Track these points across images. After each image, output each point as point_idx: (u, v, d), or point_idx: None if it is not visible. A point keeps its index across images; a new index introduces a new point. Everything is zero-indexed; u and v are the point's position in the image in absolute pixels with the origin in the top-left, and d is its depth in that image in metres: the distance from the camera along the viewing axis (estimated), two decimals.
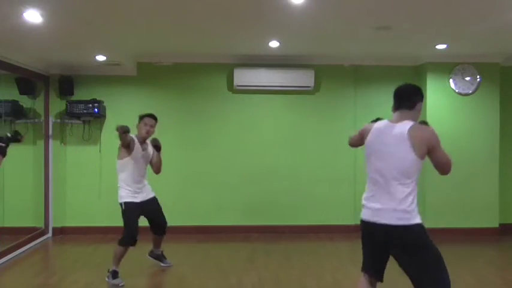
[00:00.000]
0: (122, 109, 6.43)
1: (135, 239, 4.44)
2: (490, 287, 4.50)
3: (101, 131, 6.55)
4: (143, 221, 4.70)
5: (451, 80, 6.51)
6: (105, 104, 6.50)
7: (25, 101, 6.33)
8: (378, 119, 2.97)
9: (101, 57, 5.85)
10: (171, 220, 6.56)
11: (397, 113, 2.84)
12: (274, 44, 5.70)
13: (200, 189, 6.67)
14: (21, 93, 6.25)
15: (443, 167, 2.77)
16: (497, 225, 6.56)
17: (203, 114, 6.67)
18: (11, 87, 6.13)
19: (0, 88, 6.01)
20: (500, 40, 5.53)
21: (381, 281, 2.88)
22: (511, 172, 6.83)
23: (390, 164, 2.70)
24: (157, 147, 4.68)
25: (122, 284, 4.34)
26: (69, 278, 4.58)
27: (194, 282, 4.52)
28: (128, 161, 4.52)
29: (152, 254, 5.06)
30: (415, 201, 2.69)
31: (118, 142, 4.48)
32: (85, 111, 6.33)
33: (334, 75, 6.74)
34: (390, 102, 2.98)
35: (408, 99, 2.84)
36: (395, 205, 2.65)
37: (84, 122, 6.52)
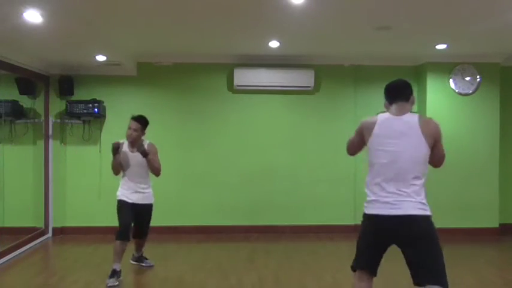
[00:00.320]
0: (122, 109, 6.42)
1: (128, 234, 4.47)
2: (490, 287, 4.50)
3: (101, 131, 6.55)
4: None
5: (451, 80, 6.51)
6: (105, 104, 6.51)
7: (25, 101, 6.33)
8: (379, 113, 2.93)
9: (101, 57, 5.85)
10: (171, 220, 6.63)
11: (395, 106, 2.84)
12: (274, 44, 5.70)
13: (200, 189, 6.67)
14: (21, 93, 6.26)
15: (440, 159, 2.89)
16: (497, 225, 6.56)
17: (203, 114, 6.67)
18: (11, 87, 6.13)
19: (0, 88, 6.01)
20: (500, 40, 5.53)
21: (375, 275, 2.88)
22: (511, 172, 6.83)
23: (405, 156, 2.70)
24: (142, 153, 4.50)
25: (114, 284, 4.30)
26: (69, 278, 4.58)
27: (194, 282, 4.52)
28: (121, 162, 4.58)
29: (133, 258, 5.07)
30: (425, 192, 2.76)
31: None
32: (85, 111, 6.34)
33: (334, 75, 6.74)
34: None
35: (404, 92, 2.88)
36: (412, 196, 2.68)
37: (84, 122, 6.52)
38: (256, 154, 6.70)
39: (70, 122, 6.53)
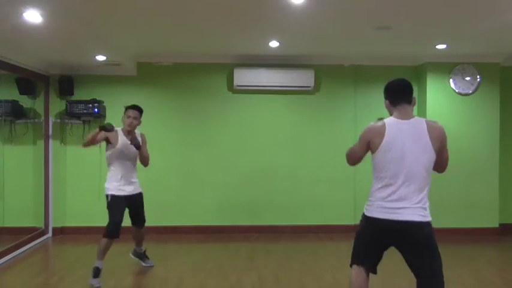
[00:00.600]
0: (122, 109, 6.40)
1: (118, 231, 4.40)
2: (489, 287, 4.49)
3: None
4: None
5: (451, 80, 6.51)
6: (105, 104, 6.50)
7: (25, 101, 6.33)
8: (380, 119, 2.91)
9: (101, 57, 5.85)
10: (171, 220, 6.63)
11: (398, 109, 2.82)
12: (274, 44, 5.70)
13: (200, 189, 6.67)
14: (21, 93, 6.26)
15: (444, 163, 2.89)
16: (497, 225, 6.56)
17: (203, 114, 6.67)
18: (11, 87, 6.14)
19: (0, 88, 6.01)
20: (500, 40, 5.53)
21: (375, 273, 2.89)
22: (511, 172, 6.83)
23: (414, 161, 2.69)
24: (135, 146, 4.46)
25: (98, 285, 4.27)
26: (69, 278, 4.58)
27: (194, 282, 4.52)
28: (113, 153, 4.49)
29: (135, 253, 5.03)
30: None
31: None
32: (85, 111, 6.34)
33: (334, 75, 6.75)
34: None
35: (408, 93, 2.86)
36: (418, 202, 2.69)
37: (84, 122, 6.52)
38: (256, 154, 6.70)
39: (70, 122, 6.53)
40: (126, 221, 4.66)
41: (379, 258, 2.86)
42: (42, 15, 4.05)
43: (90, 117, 6.44)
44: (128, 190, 4.55)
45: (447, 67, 6.49)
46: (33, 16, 4.04)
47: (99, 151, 6.46)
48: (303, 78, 6.51)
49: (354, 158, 3.00)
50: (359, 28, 4.98)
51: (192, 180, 6.68)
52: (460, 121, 6.51)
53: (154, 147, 6.52)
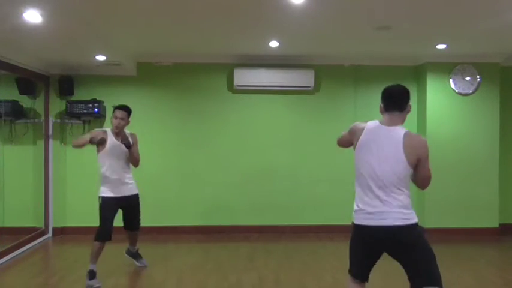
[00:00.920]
0: None
1: (110, 234, 4.39)
2: (490, 287, 4.49)
3: None
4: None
5: (451, 80, 6.51)
6: (105, 104, 6.50)
7: (25, 101, 6.33)
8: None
9: (101, 57, 5.85)
10: (171, 220, 6.63)
11: (387, 115, 2.81)
12: (274, 44, 5.70)
13: (200, 189, 6.67)
14: (21, 93, 6.26)
15: (424, 181, 2.79)
16: (497, 225, 6.56)
17: (203, 114, 6.67)
18: (11, 87, 6.14)
19: (0, 88, 6.01)
20: (500, 40, 5.53)
21: (367, 281, 2.88)
22: (511, 172, 6.83)
23: (387, 167, 2.67)
24: (126, 145, 4.46)
25: (98, 285, 4.27)
26: (69, 278, 4.58)
27: (194, 282, 4.52)
28: (103, 154, 4.47)
29: (128, 252, 5.02)
30: (410, 201, 2.74)
31: None
32: (85, 111, 6.34)
33: (334, 75, 6.74)
34: None
35: (401, 101, 2.82)
36: (396, 206, 2.66)
37: (84, 122, 6.52)
38: (256, 154, 6.70)
39: (70, 122, 6.53)
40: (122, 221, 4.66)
41: (371, 266, 2.85)
42: (42, 15, 4.05)
43: (90, 117, 6.44)
44: (121, 191, 4.51)
45: (447, 67, 6.49)
46: (33, 16, 4.04)
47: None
48: (303, 78, 6.51)
49: (339, 142, 3.13)
50: (359, 28, 4.98)
51: (192, 180, 6.67)
52: (460, 121, 6.51)
53: (154, 147, 6.56)
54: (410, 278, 2.69)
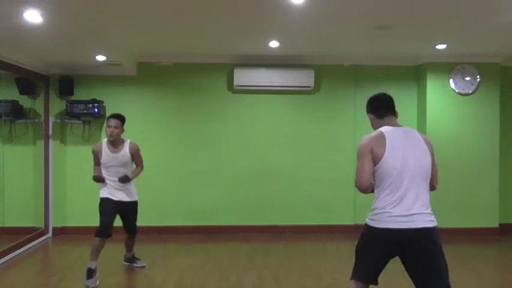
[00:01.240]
0: (122, 109, 6.34)
1: (110, 230, 4.40)
2: (489, 287, 4.50)
3: (101, 131, 6.55)
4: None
5: (451, 80, 6.51)
6: (105, 104, 6.50)
7: (25, 101, 6.33)
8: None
9: (101, 57, 5.85)
10: (171, 220, 6.63)
11: (387, 120, 2.85)
12: (274, 44, 5.70)
13: (200, 189, 6.66)
14: (21, 93, 6.26)
15: (438, 174, 2.84)
16: (497, 225, 6.56)
17: (203, 114, 6.67)
18: (11, 87, 6.14)
19: (0, 88, 6.01)
20: (500, 40, 5.53)
21: (376, 284, 2.86)
22: (511, 172, 6.83)
23: (418, 165, 2.70)
24: (123, 181, 4.51)
25: (94, 285, 4.27)
26: (69, 278, 4.58)
27: (194, 282, 4.52)
28: (102, 165, 4.57)
29: (125, 259, 5.04)
30: None
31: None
32: (85, 111, 6.34)
33: (334, 75, 6.74)
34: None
35: (393, 106, 2.91)
36: (426, 208, 2.69)
37: (84, 122, 6.52)
38: (257, 154, 6.70)
39: (70, 122, 6.53)
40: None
41: (382, 268, 2.82)
42: (42, 15, 4.05)
43: (90, 117, 6.44)
44: (118, 196, 4.54)
45: (447, 67, 6.49)
46: (33, 16, 4.04)
47: None
48: (303, 78, 6.51)
49: (363, 178, 2.77)
50: (359, 28, 4.98)
51: (192, 180, 6.67)
52: (460, 121, 6.51)
53: (154, 147, 6.56)
54: (421, 285, 2.67)
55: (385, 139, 2.71)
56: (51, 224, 6.51)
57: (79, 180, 6.55)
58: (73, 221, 6.56)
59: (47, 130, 6.45)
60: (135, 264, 4.99)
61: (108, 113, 6.49)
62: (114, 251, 5.17)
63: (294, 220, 6.73)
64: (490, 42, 5.67)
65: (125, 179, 4.50)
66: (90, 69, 6.45)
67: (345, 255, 5.46)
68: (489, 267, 5.15)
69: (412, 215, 2.65)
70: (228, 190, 6.67)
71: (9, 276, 4.80)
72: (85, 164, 6.49)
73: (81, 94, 6.49)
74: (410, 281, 2.73)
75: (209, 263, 5.21)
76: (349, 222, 6.57)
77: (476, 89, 6.51)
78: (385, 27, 4.88)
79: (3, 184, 5.77)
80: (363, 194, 2.84)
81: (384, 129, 2.78)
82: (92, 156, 4.69)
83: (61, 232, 6.54)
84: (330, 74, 6.73)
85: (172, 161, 6.67)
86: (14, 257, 5.41)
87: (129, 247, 4.97)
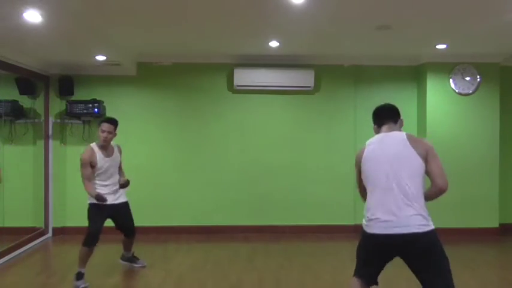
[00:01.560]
0: (122, 109, 6.43)
1: (96, 240, 4.40)
2: (490, 287, 4.50)
3: None
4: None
5: (451, 80, 6.51)
6: (105, 104, 6.50)
7: (25, 101, 6.33)
8: None
9: (101, 57, 5.85)
10: (171, 220, 6.63)
11: (384, 127, 2.92)
12: (274, 44, 5.70)
13: (200, 189, 6.66)
14: (21, 93, 6.26)
15: (443, 174, 2.79)
16: (497, 225, 6.56)
17: (203, 115, 6.67)
18: (11, 87, 6.13)
19: (0, 88, 6.01)
20: (500, 40, 5.53)
21: (376, 284, 2.87)
22: (511, 172, 6.83)
23: (401, 169, 2.69)
24: (124, 186, 4.56)
25: (84, 286, 4.26)
26: (69, 278, 4.57)
27: (194, 282, 4.52)
28: (96, 171, 4.49)
29: (123, 258, 5.00)
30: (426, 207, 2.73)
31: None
32: (85, 111, 6.34)
33: (334, 75, 6.74)
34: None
35: (393, 114, 2.96)
36: (414, 212, 2.65)
37: (84, 122, 6.52)
38: (256, 154, 6.70)
39: (70, 122, 6.53)
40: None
41: (380, 270, 2.84)
42: (42, 15, 4.05)
43: (90, 117, 6.44)
44: (109, 199, 4.48)
45: (447, 67, 6.48)
46: (33, 16, 4.04)
47: None
48: (303, 78, 6.51)
49: (361, 190, 3.00)
50: (359, 28, 4.98)
51: (192, 180, 6.67)
52: (460, 121, 6.51)
53: (153, 146, 6.57)
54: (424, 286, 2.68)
55: (364, 148, 2.87)
56: (51, 224, 6.51)
57: (79, 180, 6.49)
58: (73, 221, 6.55)
59: (47, 130, 6.45)
60: (135, 265, 4.96)
61: (108, 113, 6.51)
62: (113, 251, 5.18)
63: (294, 220, 6.73)
64: (490, 42, 5.67)
65: (127, 184, 4.56)
66: (90, 69, 6.44)
67: (345, 256, 5.47)
68: (489, 267, 5.15)
69: (399, 219, 2.64)
70: (228, 190, 6.67)
71: (9, 276, 4.80)
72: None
73: (81, 94, 6.49)
74: (410, 282, 2.73)
75: (209, 263, 5.21)
76: (349, 222, 6.57)
77: (476, 89, 6.51)
78: (385, 27, 4.88)
79: (3, 184, 5.77)
80: (365, 207, 2.89)
81: (370, 140, 2.91)
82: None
83: (61, 232, 6.54)
84: (330, 74, 6.73)
85: (172, 160, 6.67)
86: (14, 257, 5.41)
87: (128, 247, 4.94)
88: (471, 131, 6.51)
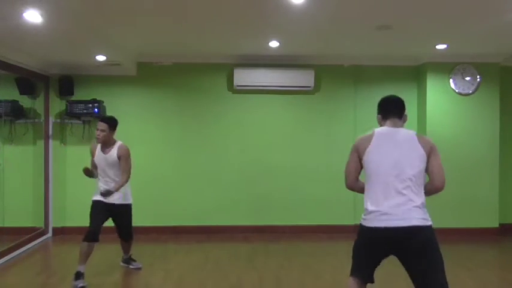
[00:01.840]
0: (122, 109, 6.42)
1: (97, 235, 4.41)
2: (489, 287, 4.50)
3: None
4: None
5: (451, 80, 6.51)
6: (105, 104, 6.50)
7: (25, 101, 6.33)
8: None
9: (101, 57, 5.85)
10: (171, 220, 6.63)
11: (389, 122, 2.90)
12: (274, 44, 5.70)
13: (200, 189, 6.67)
14: (21, 93, 6.25)
15: (442, 173, 2.83)
16: (497, 225, 6.56)
17: (203, 115, 6.67)
18: (11, 87, 6.13)
19: (0, 88, 6.01)
20: (500, 40, 5.53)
21: (372, 282, 2.88)
22: (511, 172, 6.83)
23: (406, 165, 2.71)
24: (104, 195, 4.50)
25: (82, 285, 4.26)
26: (69, 278, 4.57)
27: (194, 282, 4.52)
28: (93, 164, 4.60)
29: (123, 260, 5.02)
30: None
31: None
32: (85, 111, 6.34)
33: (334, 75, 6.74)
34: None
35: (399, 108, 2.94)
36: (415, 206, 2.68)
37: (84, 122, 6.52)
38: (256, 154, 6.70)
39: (70, 122, 6.53)
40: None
41: (375, 267, 2.84)
42: (42, 15, 4.05)
43: (90, 117, 6.44)
44: (110, 199, 4.52)
45: (447, 67, 6.49)
46: (33, 16, 4.04)
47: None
48: (303, 78, 6.51)
49: (350, 176, 2.95)
50: (359, 28, 4.98)
51: (192, 180, 6.67)
52: (460, 121, 6.51)
53: (153, 146, 6.57)
54: (418, 285, 2.68)
55: (372, 137, 2.82)
56: (51, 224, 6.51)
57: (79, 180, 6.51)
58: (73, 221, 6.55)
59: (47, 130, 6.45)
60: (130, 266, 4.96)
61: (108, 113, 6.51)
62: (113, 251, 5.18)
63: (294, 220, 6.73)
64: (490, 42, 5.67)
65: (106, 194, 4.47)
66: (90, 69, 6.44)
67: (344, 255, 5.44)
68: (489, 267, 5.15)
69: (400, 213, 2.66)
70: (228, 190, 6.67)
71: (9, 276, 4.80)
72: (85, 164, 6.52)
73: (81, 94, 6.49)
74: (409, 281, 2.73)
75: (209, 263, 5.21)
76: (349, 222, 6.57)
77: (476, 89, 6.51)
78: (385, 27, 4.88)
79: (3, 184, 5.77)
80: (363, 195, 2.88)
81: (378, 129, 2.88)
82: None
83: (61, 232, 6.54)
84: (330, 74, 6.73)
85: (172, 160, 6.67)
86: (14, 257, 5.41)
87: (126, 249, 4.96)
88: (471, 131, 6.51)
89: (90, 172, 4.65)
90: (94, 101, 6.36)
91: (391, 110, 2.92)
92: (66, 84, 6.42)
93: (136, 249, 5.09)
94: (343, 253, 5.58)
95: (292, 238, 6.44)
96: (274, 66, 6.50)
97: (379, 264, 2.83)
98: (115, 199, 4.58)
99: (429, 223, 2.69)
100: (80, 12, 4.23)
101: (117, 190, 4.53)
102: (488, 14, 4.42)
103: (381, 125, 2.94)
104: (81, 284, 4.26)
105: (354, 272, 2.88)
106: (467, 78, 6.51)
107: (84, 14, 4.32)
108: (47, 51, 5.66)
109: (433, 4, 4.12)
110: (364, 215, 2.80)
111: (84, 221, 6.52)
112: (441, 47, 5.85)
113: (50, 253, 5.98)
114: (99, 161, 4.59)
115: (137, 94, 6.62)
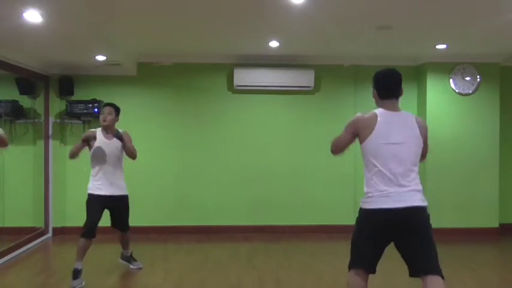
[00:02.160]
0: (122, 109, 6.36)
1: (94, 231, 4.38)
2: (489, 287, 4.49)
3: None
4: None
5: (451, 80, 6.51)
6: None
7: (25, 101, 6.33)
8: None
9: (101, 57, 5.85)
10: (171, 220, 6.63)
11: (388, 102, 2.91)
12: (274, 44, 5.70)
13: (200, 189, 6.66)
14: (21, 93, 6.26)
15: (425, 153, 2.98)
16: (497, 225, 6.56)
17: (203, 115, 6.67)
18: (11, 87, 6.14)
19: (0, 88, 6.01)
20: (500, 40, 5.53)
21: (374, 272, 2.87)
22: (511, 172, 6.83)
23: (407, 149, 2.78)
24: (118, 137, 4.43)
25: (80, 285, 4.25)
26: (69, 278, 4.56)
27: (194, 282, 4.52)
28: (93, 152, 4.53)
29: (122, 257, 4.98)
30: None
31: None
32: (85, 111, 6.34)
33: (334, 75, 6.74)
34: None
35: (399, 87, 2.95)
36: (415, 187, 2.76)
37: (84, 122, 6.52)
38: (256, 154, 6.70)
39: (70, 122, 6.53)
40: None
41: (379, 256, 2.83)
42: (42, 15, 4.05)
43: (90, 117, 6.44)
44: (107, 190, 4.50)
45: (447, 67, 6.48)
46: (33, 16, 4.04)
47: None
48: (303, 78, 6.51)
49: (337, 147, 3.13)
50: (359, 28, 4.98)
51: (192, 180, 6.67)
52: (460, 121, 6.51)
53: (153, 146, 6.56)
54: (413, 264, 2.72)
55: (375, 122, 2.82)
56: (51, 224, 6.51)
57: (79, 180, 6.51)
58: (73, 221, 6.53)
59: (47, 130, 6.45)
60: (131, 266, 4.93)
61: None
62: (113, 251, 5.18)
63: (294, 220, 6.73)
64: (490, 42, 5.67)
65: (120, 136, 4.42)
66: (90, 69, 6.45)
67: (345, 255, 5.44)
68: (489, 267, 5.14)
69: (402, 194, 2.72)
70: (228, 190, 6.67)
71: (9, 276, 4.80)
72: (85, 164, 6.51)
73: (81, 94, 6.49)
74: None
75: (209, 263, 5.20)
76: (349, 222, 6.49)
77: (476, 89, 6.51)
78: (385, 28, 4.88)
79: (3, 184, 5.77)
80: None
81: (379, 111, 2.89)
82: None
83: (61, 232, 6.54)
84: (330, 74, 6.73)
85: (172, 160, 6.67)
86: (14, 257, 5.40)
87: (125, 244, 4.91)
88: (471, 131, 6.51)
89: (87, 141, 4.50)
90: (94, 101, 6.36)
91: (391, 88, 2.92)
92: (66, 84, 6.42)
93: (136, 249, 5.09)
94: (343, 253, 5.55)
95: (292, 238, 6.44)
96: (274, 66, 6.50)
97: (382, 251, 2.82)
98: (114, 191, 4.55)
99: (426, 204, 2.80)
100: (80, 12, 4.23)
101: (129, 146, 4.51)
102: (488, 14, 4.42)
103: (378, 104, 2.95)
104: (79, 285, 4.25)
105: (355, 263, 2.87)
106: (467, 78, 6.51)
107: (84, 14, 4.32)
108: (47, 51, 5.66)
109: (433, 4, 4.12)
110: (365, 198, 2.83)
111: (84, 221, 6.55)
112: (441, 47, 5.84)
113: (49, 253, 5.98)
114: (102, 147, 4.50)
115: (137, 94, 6.62)
